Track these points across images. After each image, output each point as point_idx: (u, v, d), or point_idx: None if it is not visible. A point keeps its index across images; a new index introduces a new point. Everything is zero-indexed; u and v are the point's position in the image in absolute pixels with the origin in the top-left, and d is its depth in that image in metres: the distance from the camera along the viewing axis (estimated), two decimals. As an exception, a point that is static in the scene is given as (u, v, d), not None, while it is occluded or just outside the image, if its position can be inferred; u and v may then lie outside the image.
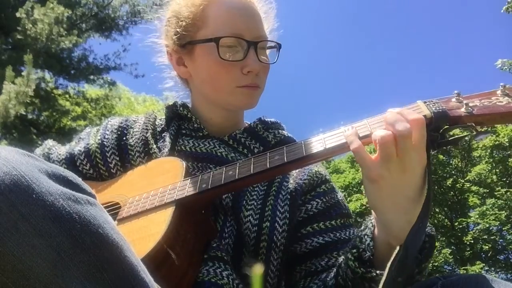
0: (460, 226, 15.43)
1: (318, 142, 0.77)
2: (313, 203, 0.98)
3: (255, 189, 0.96)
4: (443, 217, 16.59)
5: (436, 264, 14.03)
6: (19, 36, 8.10)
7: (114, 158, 1.03)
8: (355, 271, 0.75)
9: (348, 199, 15.51)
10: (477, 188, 15.57)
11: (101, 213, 0.58)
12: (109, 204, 0.92)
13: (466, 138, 0.73)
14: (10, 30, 8.39)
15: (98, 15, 10.52)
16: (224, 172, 0.83)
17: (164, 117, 1.10)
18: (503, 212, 13.80)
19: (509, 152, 15.28)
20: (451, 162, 16.84)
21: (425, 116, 0.70)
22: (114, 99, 12.12)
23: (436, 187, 15.22)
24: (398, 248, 0.65)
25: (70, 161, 1.05)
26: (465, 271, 12.98)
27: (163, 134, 1.06)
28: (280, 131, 1.07)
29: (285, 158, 0.78)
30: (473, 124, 0.70)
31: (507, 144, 14.97)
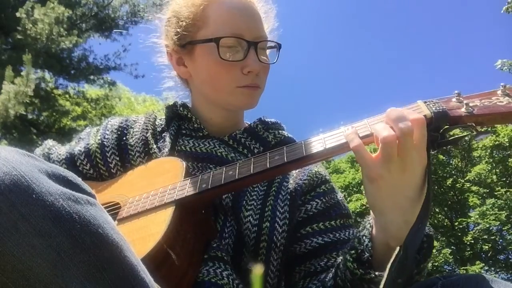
0: (460, 226, 15.43)
1: (318, 142, 0.77)
2: (312, 204, 0.98)
3: (255, 189, 0.95)
4: (443, 217, 16.59)
5: (436, 264, 14.02)
6: (19, 36, 8.10)
7: (114, 158, 1.03)
8: (354, 273, 0.75)
9: (348, 199, 15.51)
10: (477, 188, 15.57)
11: (101, 213, 0.58)
12: (109, 204, 0.92)
13: (466, 138, 0.73)
14: (10, 30, 8.39)
15: (98, 15, 10.52)
16: (224, 172, 0.83)
17: (164, 117, 1.10)
18: (503, 212, 13.80)
19: (509, 152, 15.28)
20: (451, 162, 16.84)
21: (425, 116, 0.70)
22: (114, 99, 12.13)
23: (436, 187, 15.22)
24: (398, 248, 0.65)
25: (70, 161, 1.05)
26: (465, 271, 12.98)
27: (163, 134, 1.06)
28: (280, 131, 1.07)
29: (285, 158, 0.78)
30: (473, 124, 0.70)
31: (507, 144, 14.97)
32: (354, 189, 16.67)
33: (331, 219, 0.97)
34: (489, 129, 0.76)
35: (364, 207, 14.25)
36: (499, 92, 0.72)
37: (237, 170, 0.82)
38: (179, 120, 1.07)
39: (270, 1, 1.08)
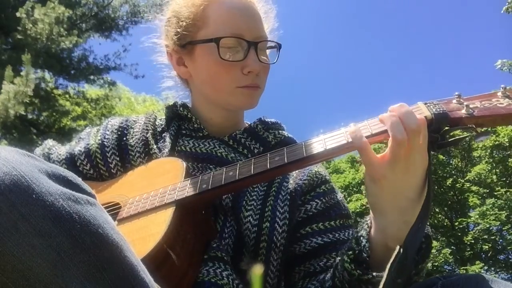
0: (460, 226, 15.42)
1: (319, 143, 0.77)
2: (312, 204, 0.98)
3: (255, 189, 0.95)
4: (443, 217, 16.58)
5: (436, 264, 14.02)
6: (19, 36, 8.10)
7: (114, 158, 1.03)
8: (352, 273, 0.74)
9: (348, 199, 15.50)
10: (477, 188, 15.57)
11: (101, 213, 0.58)
12: (109, 204, 0.92)
13: (466, 138, 0.73)
14: (10, 30, 8.39)
15: (98, 15, 10.52)
16: (224, 172, 0.83)
17: (164, 117, 1.10)
18: (503, 212, 13.79)
19: (509, 152, 15.27)
20: (451, 162, 16.84)
21: (425, 117, 0.70)
22: (114, 99, 12.13)
23: (436, 187, 15.22)
24: (397, 248, 0.65)
25: (70, 161, 1.05)
26: (464, 271, 12.98)
27: (163, 135, 1.06)
28: (280, 131, 1.07)
29: (285, 159, 0.78)
30: (474, 126, 0.70)
31: (507, 144, 14.97)
32: (354, 189, 16.67)
33: (330, 219, 0.97)
34: (489, 129, 0.76)
35: (364, 207, 14.25)
36: (499, 94, 0.73)
37: (237, 170, 0.82)
38: (179, 120, 1.07)
39: (270, 1, 1.08)
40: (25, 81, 6.51)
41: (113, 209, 0.90)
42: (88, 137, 1.09)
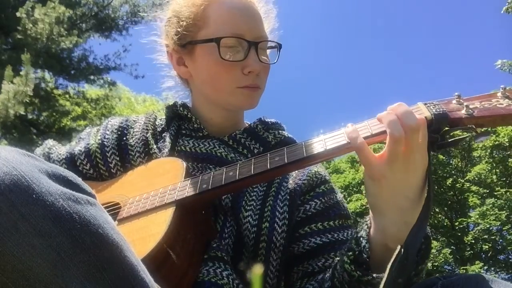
0: (461, 226, 15.42)
1: (319, 143, 0.77)
2: (311, 204, 0.98)
3: (255, 189, 0.95)
4: (443, 217, 16.58)
5: (436, 264, 14.01)
6: (19, 36, 8.10)
7: (114, 158, 1.03)
8: (352, 274, 0.74)
9: (348, 199, 15.50)
10: (477, 188, 15.56)
11: (101, 213, 0.58)
12: (109, 204, 0.92)
13: (466, 138, 0.73)
14: (10, 30, 8.39)
15: (98, 15, 10.52)
16: (224, 172, 0.84)
17: (164, 117, 1.10)
18: (503, 212, 13.79)
19: (509, 152, 15.27)
20: (451, 162, 16.83)
21: (425, 117, 0.70)
22: (114, 99, 12.13)
23: (436, 187, 15.22)
24: (398, 249, 0.65)
25: (70, 161, 1.05)
26: (464, 271, 12.97)
27: (163, 134, 1.06)
28: (280, 131, 1.07)
29: (285, 159, 0.78)
30: (474, 126, 0.70)
31: (507, 144, 14.96)
32: (354, 189, 16.66)
33: (329, 219, 0.97)
34: (489, 130, 0.76)
35: (364, 207, 14.24)
36: (499, 94, 0.73)
37: (237, 170, 0.82)
38: (179, 120, 1.07)
39: (270, 1, 1.08)
40: (25, 80, 6.51)
41: (113, 209, 0.90)
42: (88, 137, 1.09)
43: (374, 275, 0.72)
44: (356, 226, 0.82)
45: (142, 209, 0.85)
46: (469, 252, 15.14)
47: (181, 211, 0.81)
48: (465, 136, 0.72)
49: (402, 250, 0.64)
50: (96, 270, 0.53)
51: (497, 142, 15.07)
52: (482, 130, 0.71)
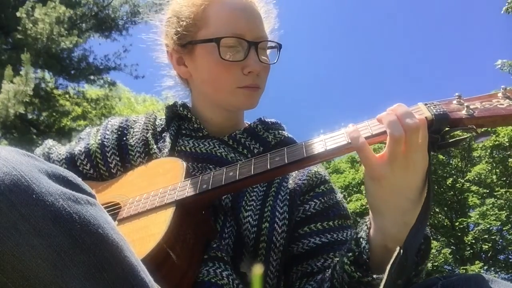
0: (461, 226, 15.42)
1: (319, 144, 0.77)
2: (311, 204, 0.98)
3: (255, 189, 0.95)
4: (443, 217, 16.58)
5: (436, 264, 14.01)
6: (19, 36, 8.10)
7: (115, 158, 1.03)
8: (352, 275, 0.74)
9: (348, 199, 15.50)
10: (477, 188, 15.56)
11: (101, 213, 0.58)
12: (109, 204, 0.92)
13: (467, 139, 0.73)
14: (10, 30, 8.39)
15: (98, 15, 10.52)
16: (224, 173, 0.83)
17: (164, 117, 1.10)
18: (503, 212, 13.79)
19: (509, 152, 15.26)
20: (451, 162, 16.83)
21: (426, 118, 0.70)
22: (114, 99, 12.13)
23: (436, 187, 15.22)
24: (398, 250, 0.65)
25: (70, 161, 1.05)
26: (464, 271, 12.97)
27: (163, 134, 1.06)
28: (280, 131, 1.07)
29: (285, 159, 0.78)
30: (474, 127, 0.70)
31: (507, 144, 14.96)
32: (354, 189, 16.66)
33: (329, 219, 0.97)
34: (489, 130, 0.76)
35: (364, 207, 14.25)
36: (499, 94, 0.73)
37: (237, 171, 0.82)
38: (179, 120, 1.07)
39: (270, 1, 1.08)
40: (25, 80, 6.51)
41: (113, 209, 0.90)
42: (88, 137, 1.09)
43: (374, 276, 0.71)
44: (355, 227, 0.82)
45: (142, 209, 0.85)
46: (469, 252, 15.14)
47: (181, 211, 0.81)
48: (465, 136, 0.72)
49: (402, 251, 0.64)
50: (96, 270, 0.53)
51: (497, 142, 15.07)
52: (483, 130, 0.71)
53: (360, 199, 14.99)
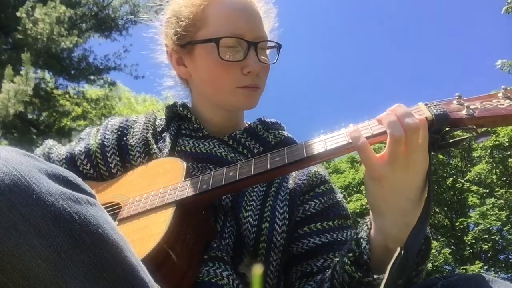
0: (461, 226, 15.42)
1: (319, 144, 0.77)
2: (311, 204, 0.98)
3: (255, 189, 0.95)
4: (443, 217, 16.58)
5: (436, 264, 14.01)
6: (19, 36, 8.10)
7: (115, 158, 1.03)
8: (352, 276, 0.74)
9: (348, 199, 15.49)
10: (477, 188, 15.56)
11: (101, 213, 0.58)
12: (109, 204, 0.92)
13: (467, 139, 0.73)
14: (10, 30, 8.39)
15: (98, 15, 10.52)
16: (224, 173, 0.83)
17: (164, 117, 1.10)
18: (503, 212, 13.79)
19: (509, 152, 15.27)
20: (451, 162, 16.83)
21: (426, 118, 0.70)
22: (114, 99, 12.14)
23: (436, 187, 15.22)
24: (398, 250, 0.65)
25: (71, 161, 1.05)
26: (464, 271, 12.97)
27: (163, 134, 1.06)
28: (280, 131, 1.07)
29: (285, 159, 0.78)
30: (474, 127, 0.70)
31: (507, 144, 14.96)
32: (354, 189, 16.66)
33: (329, 219, 0.97)
34: (489, 130, 0.76)
35: (364, 207, 14.24)
36: (500, 94, 0.73)
37: (237, 171, 0.82)
38: (179, 120, 1.07)
39: (270, 1, 1.08)
40: (25, 79, 6.51)
41: (113, 209, 0.90)
42: (88, 137, 1.09)
43: (375, 276, 0.71)
44: (356, 227, 0.82)
45: (142, 209, 0.85)
46: (469, 252, 15.14)
47: (181, 211, 0.81)
48: (465, 136, 0.72)
49: (402, 251, 0.64)
50: (96, 270, 0.53)
51: (497, 142, 15.08)
52: (483, 130, 0.71)
53: (360, 199, 14.99)
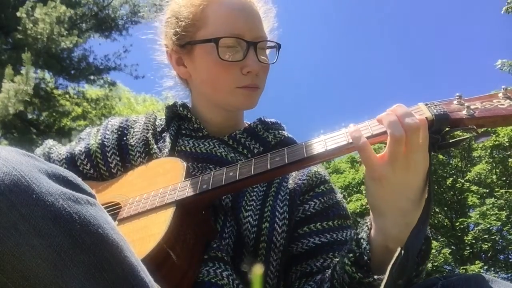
0: (461, 226, 15.42)
1: (319, 144, 0.77)
2: (311, 203, 0.98)
3: (255, 189, 0.95)
4: (443, 217, 16.58)
5: (436, 264, 14.01)
6: (19, 36, 8.10)
7: (115, 158, 1.03)
8: (352, 276, 0.74)
9: (348, 199, 15.50)
10: (477, 188, 15.57)
11: (101, 213, 0.58)
12: (109, 204, 0.92)
13: (467, 139, 0.73)
14: (10, 30, 8.39)
15: (98, 15, 10.52)
16: (224, 173, 0.83)
17: (164, 117, 1.10)
18: (503, 212, 13.79)
19: (509, 152, 15.27)
20: (451, 161, 16.83)
21: (426, 118, 0.70)
22: (114, 99, 12.14)
23: (436, 187, 15.23)
24: (399, 250, 0.65)
25: (71, 161, 1.05)
26: (464, 271, 12.97)
27: (163, 134, 1.06)
28: (280, 131, 1.07)
29: (286, 159, 0.78)
30: (474, 127, 0.70)
31: (507, 144, 14.96)
32: (354, 189, 16.66)
33: (328, 219, 0.96)
34: (489, 130, 0.76)
35: (364, 207, 14.24)
36: (500, 94, 0.73)
37: (237, 171, 0.82)
38: (179, 120, 1.07)
39: (269, 0, 1.08)
40: (25, 79, 6.51)
41: (113, 209, 0.90)
42: (88, 137, 1.09)
43: (375, 276, 0.71)
44: (356, 227, 0.82)
45: (142, 209, 0.85)
46: (469, 252, 15.14)
47: (181, 211, 0.81)
48: (466, 136, 0.72)
49: (403, 251, 0.64)
50: (96, 270, 0.53)
51: (497, 142, 15.08)
52: (483, 130, 0.71)
53: (360, 199, 14.99)
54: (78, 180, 0.61)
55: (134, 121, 1.11)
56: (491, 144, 15.17)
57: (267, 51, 1.04)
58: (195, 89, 1.07)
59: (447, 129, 0.72)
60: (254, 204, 0.93)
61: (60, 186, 0.56)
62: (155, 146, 1.02)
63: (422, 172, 0.69)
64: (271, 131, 1.06)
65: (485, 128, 0.72)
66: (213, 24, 0.97)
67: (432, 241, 0.77)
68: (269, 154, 0.82)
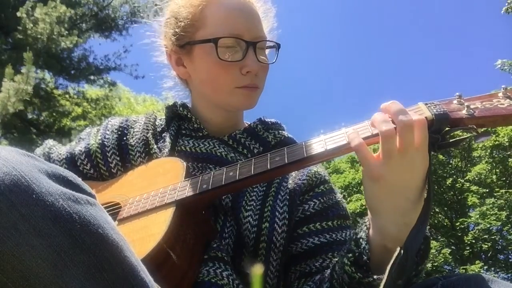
0: (461, 226, 15.42)
1: (319, 144, 0.77)
2: (310, 203, 0.98)
3: (255, 189, 0.95)
4: (443, 217, 16.58)
5: (436, 264, 14.01)
6: (19, 36, 8.10)
7: (115, 158, 1.03)
8: (352, 276, 0.74)
9: (348, 199, 15.50)
10: (477, 188, 15.56)
11: (101, 213, 0.58)
12: (109, 204, 0.92)
13: (467, 139, 0.73)
14: (10, 30, 8.39)
15: (98, 15, 10.53)
16: (224, 172, 0.83)
17: (164, 117, 1.10)
18: (503, 212, 13.79)
19: (509, 152, 15.27)
20: (451, 161, 16.83)
21: (426, 117, 0.70)
22: (114, 99, 12.15)
23: (436, 187, 15.22)
24: (398, 250, 0.65)
25: (71, 161, 1.05)
26: (464, 271, 12.97)
27: (163, 134, 1.06)
28: (280, 131, 1.07)
29: (285, 159, 0.78)
30: (474, 126, 0.70)
31: (507, 144, 14.96)
32: (354, 189, 16.66)
33: (328, 219, 0.96)
34: (489, 130, 0.76)
35: (364, 207, 14.23)
36: (500, 94, 0.72)
37: (237, 170, 0.82)
38: (179, 120, 1.07)
39: (269, 0, 1.08)
40: (26, 79, 6.51)
41: (113, 209, 0.90)
42: (88, 137, 1.09)
43: (375, 276, 0.71)
44: (355, 227, 0.82)
45: (142, 209, 0.85)
46: (469, 252, 15.14)
47: (181, 211, 0.81)
48: (466, 136, 0.72)
49: (402, 251, 0.64)
50: (96, 270, 0.53)
51: (497, 142, 15.08)
52: (483, 130, 0.71)
53: (360, 199, 14.98)
54: (78, 180, 0.61)
55: (134, 121, 1.11)
56: (491, 144, 15.16)
57: (267, 51, 1.04)
58: (195, 89, 1.07)
59: (447, 128, 0.71)
60: (254, 204, 0.93)
61: (60, 186, 0.56)
62: (155, 146, 1.02)
63: (422, 172, 0.69)
64: (271, 131, 1.06)
65: (485, 128, 0.72)
66: (212, 24, 0.97)
67: (432, 241, 0.77)
68: (269, 154, 0.82)
